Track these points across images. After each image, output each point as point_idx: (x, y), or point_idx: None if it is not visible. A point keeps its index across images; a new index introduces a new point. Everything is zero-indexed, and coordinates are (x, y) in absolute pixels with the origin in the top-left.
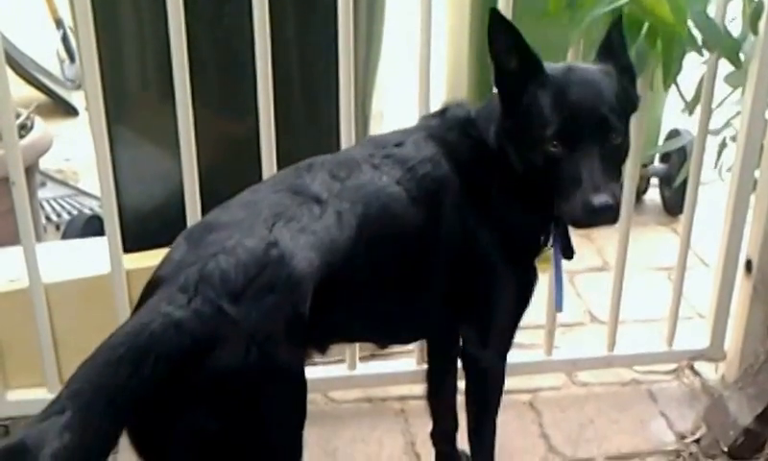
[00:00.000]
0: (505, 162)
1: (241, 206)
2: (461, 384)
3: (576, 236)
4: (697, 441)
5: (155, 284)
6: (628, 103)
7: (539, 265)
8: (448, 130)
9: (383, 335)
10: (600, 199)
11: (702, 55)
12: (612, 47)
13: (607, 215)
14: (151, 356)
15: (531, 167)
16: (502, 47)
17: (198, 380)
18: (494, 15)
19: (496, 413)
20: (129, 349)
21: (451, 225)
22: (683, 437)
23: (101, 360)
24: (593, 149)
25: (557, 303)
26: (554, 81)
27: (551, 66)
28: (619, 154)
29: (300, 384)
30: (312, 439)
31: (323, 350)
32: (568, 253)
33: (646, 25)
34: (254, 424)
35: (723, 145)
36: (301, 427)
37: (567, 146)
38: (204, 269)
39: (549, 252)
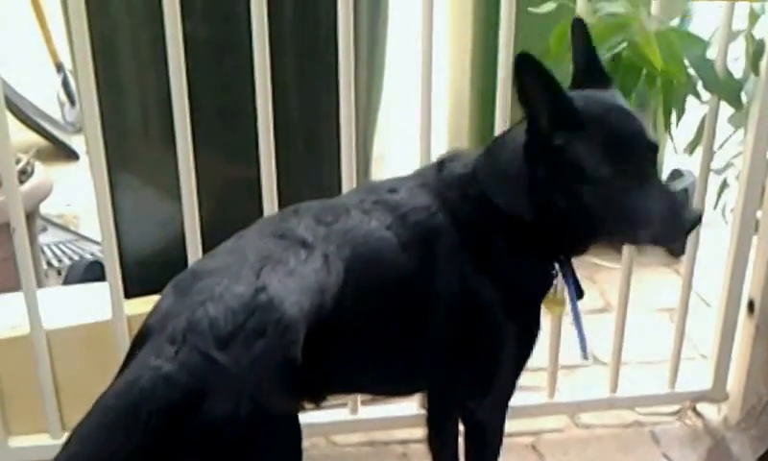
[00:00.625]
0: (516, 222)
1: (227, 253)
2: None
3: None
4: None
5: (143, 335)
6: None
7: (546, 307)
8: (446, 186)
9: (378, 386)
10: (692, 215)
11: (701, 100)
12: (595, 67)
13: (698, 226)
14: (143, 414)
15: (587, 212)
16: (535, 93)
17: (190, 433)
18: (523, 59)
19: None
20: (120, 410)
21: (447, 278)
22: None
23: (94, 424)
24: (653, 172)
25: (583, 351)
26: (594, 119)
27: (578, 101)
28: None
29: (294, 432)
30: None
31: (318, 400)
32: (579, 293)
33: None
34: None
35: (723, 186)
36: None
37: (630, 180)
38: (192, 317)
39: (556, 294)
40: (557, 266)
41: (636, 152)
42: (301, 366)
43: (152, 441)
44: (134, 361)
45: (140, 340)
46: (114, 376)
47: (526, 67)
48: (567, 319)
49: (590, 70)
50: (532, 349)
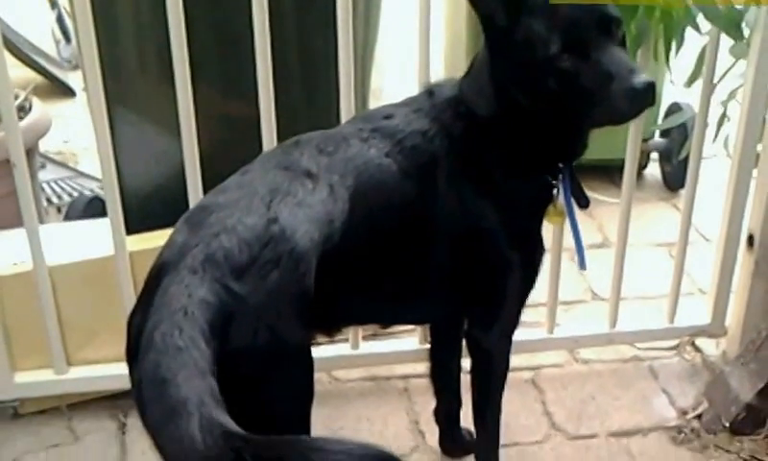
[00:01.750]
0: (500, 130)
1: (236, 187)
2: (464, 363)
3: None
4: (698, 417)
5: (160, 270)
6: None
7: (548, 220)
8: (439, 109)
9: (386, 315)
10: (641, 78)
11: (700, 32)
12: None
13: (652, 94)
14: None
15: (546, 98)
16: None
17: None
18: None
19: (501, 393)
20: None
21: (448, 202)
22: (684, 413)
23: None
24: (607, 44)
25: (580, 263)
26: (540, 1)
27: None
28: (625, 45)
29: (307, 362)
30: (317, 418)
31: (330, 332)
32: (582, 200)
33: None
34: (264, 402)
35: (723, 118)
36: (310, 404)
37: (580, 55)
38: (207, 250)
39: (556, 206)
40: (557, 178)
41: (586, 25)
42: (313, 296)
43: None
44: (162, 293)
45: (157, 274)
46: (134, 311)
47: None
48: (565, 256)
49: None
50: (536, 275)
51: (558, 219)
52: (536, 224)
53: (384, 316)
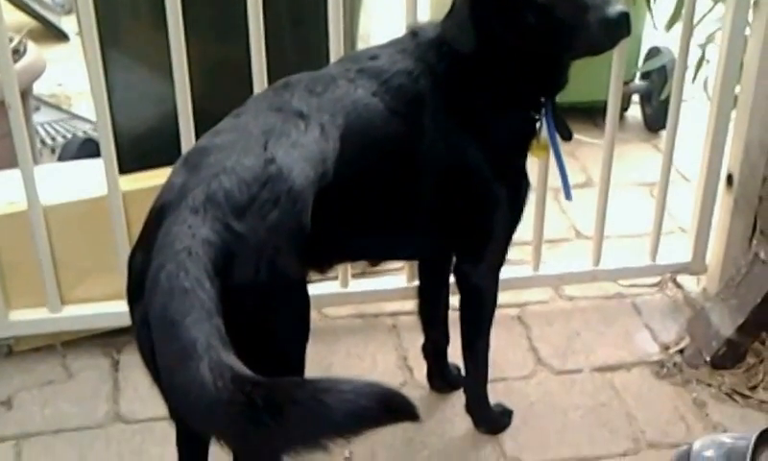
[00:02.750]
0: (482, 66)
1: (231, 130)
2: (452, 300)
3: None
4: (680, 351)
5: (160, 211)
6: None
7: (534, 153)
8: (423, 49)
9: (376, 251)
10: (615, 8)
11: None
12: None
13: (626, 24)
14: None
15: (524, 32)
16: None
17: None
18: None
19: (489, 328)
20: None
21: (434, 139)
22: (666, 348)
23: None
24: None
25: (566, 193)
26: None
27: None
28: None
29: (305, 296)
30: (308, 355)
31: (322, 269)
32: (566, 133)
33: None
34: (266, 336)
35: (701, 61)
36: (307, 338)
37: None
38: (208, 190)
39: (540, 141)
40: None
41: None
42: (309, 232)
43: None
44: (164, 234)
45: (157, 215)
46: (134, 251)
47: None
48: (550, 194)
49: None
50: (522, 209)
51: (542, 153)
52: (520, 158)
53: (375, 252)
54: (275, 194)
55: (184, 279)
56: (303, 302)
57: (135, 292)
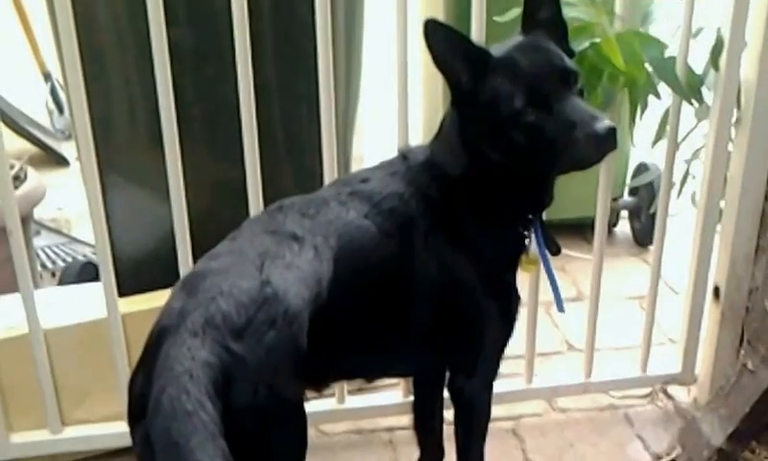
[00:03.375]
0: (472, 186)
1: (227, 253)
2: (447, 415)
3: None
4: None
5: (160, 334)
6: (569, 53)
7: (523, 268)
8: (414, 172)
9: (372, 369)
10: (602, 124)
11: (659, 98)
12: (536, 14)
13: (613, 138)
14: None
15: (514, 151)
16: (446, 53)
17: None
18: (428, 24)
19: (484, 441)
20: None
21: (425, 259)
22: (658, 458)
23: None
24: (567, 95)
25: (558, 306)
26: (502, 60)
27: (493, 49)
28: (583, 96)
29: (303, 416)
30: None
31: (318, 387)
32: (553, 247)
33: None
34: (264, 455)
35: (686, 176)
36: (304, 457)
37: (543, 107)
38: (206, 313)
39: (529, 255)
40: (529, 229)
41: (545, 79)
42: (306, 353)
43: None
44: (164, 357)
45: (157, 338)
46: (134, 374)
47: (434, 32)
48: (542, 308)
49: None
50: (514, 323)
51: (531, 267)
52: (510, 274)
53: (370, 370)
54: (271, 316)
55: (186, 402)
56: (301, 421)
57: (136, 414)
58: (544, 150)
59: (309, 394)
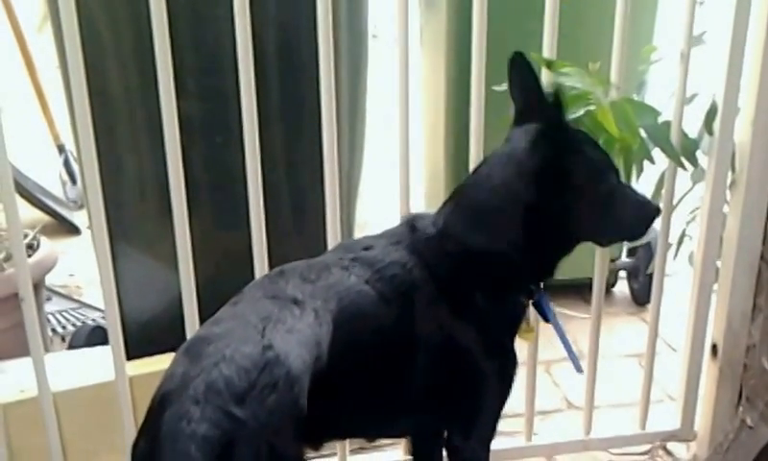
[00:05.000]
0: (481, 260)
1: (229, 318)
2: None
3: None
4: None
5: (162, 400)
6: None
7: (521, 336)
8: (422, 245)
9: (371, 429)
10: (653, 204)
11: (653, 163)
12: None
13: (658, 215)
14: None
15: (586, 221)
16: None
17: None
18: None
19: None
20: None
21: (426, 326)
22: None
23: None
24: (617, 180)
25: (576, 367)
26: (573, 139)
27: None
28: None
29: None
30: None
31: (317, 446)
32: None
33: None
34: None
35: (682, 237)
36: None
37: (612, 191)
38: (208, 378)
39: (529, 323)
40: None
41: (609, 166)
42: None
43: None
44: (165, 427)
45: (159, 406)
46: (137, 439)
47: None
48: (542, 367)
49: (537, 102)
50: (511, 385)
51: (530, 335)
52: (510, 339)
53: (369, 430)
54: (273, 379)
55: None
56: None
57: None
58: (609, 225)
59: (310, 453)
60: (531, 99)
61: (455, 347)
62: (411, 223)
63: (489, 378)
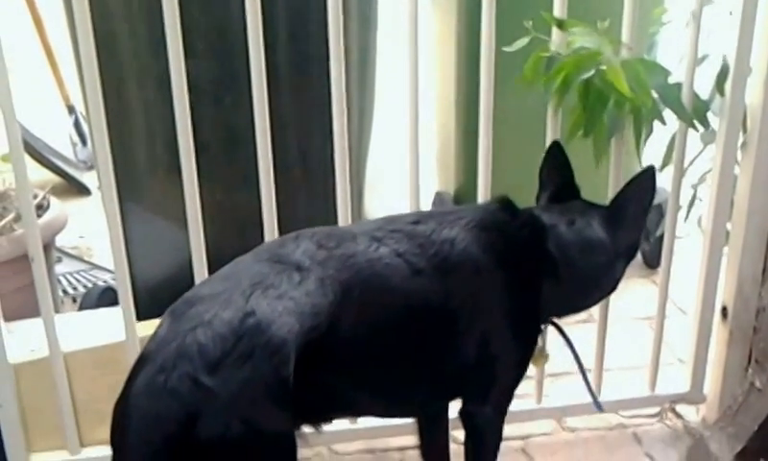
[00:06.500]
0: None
1: (221, 279)
2: (457, 434)
3: None
4: None
5: (142, 361)
6: None
7: (535, 362)
8: (500, 225)
9: (376, 405)
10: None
11: (664, 123)
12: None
13: None
14: (155, 440)
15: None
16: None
17: (186, 454)
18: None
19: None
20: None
21: (461, 302)
22: None
23: None
24: None
25: (596, 405)
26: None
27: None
28: None
29: (289, 448)
30: None
31: (318, 422)
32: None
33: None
34: None
35: (693, 200)
36: None
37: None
38: (182, 344)
39: (543, 349)
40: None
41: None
42: (300, 386)
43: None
44: (133, 396)
45: (138, 366)
46: (118, 400)
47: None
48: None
49: (568, 186)
50: (531, 356)
51: (542, 361)
52: (537, 327)
53: (372, 405)
54: (249, 347)
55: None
56: (285, 453)
57: (112, 442)
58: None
59: (310, 428)
60: (565, 184)
61: (491, 326)
62: (492, 208)
63: (516, 352)
